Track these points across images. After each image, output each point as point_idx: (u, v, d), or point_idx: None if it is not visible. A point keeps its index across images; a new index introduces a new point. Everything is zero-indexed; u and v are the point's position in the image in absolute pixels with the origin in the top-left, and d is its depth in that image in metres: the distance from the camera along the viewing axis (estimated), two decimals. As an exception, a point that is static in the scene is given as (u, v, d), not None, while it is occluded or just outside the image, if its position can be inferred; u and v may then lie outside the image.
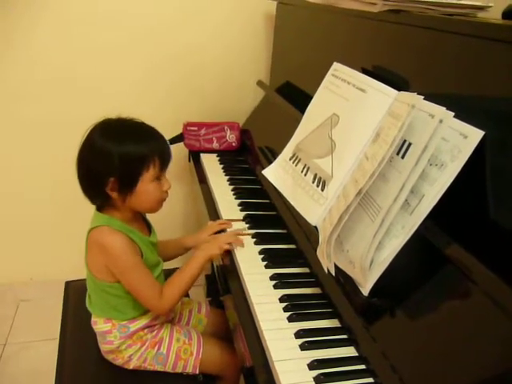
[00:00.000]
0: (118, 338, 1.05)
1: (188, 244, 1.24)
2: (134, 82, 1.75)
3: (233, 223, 1.23)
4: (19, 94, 1.68)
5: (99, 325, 1.07)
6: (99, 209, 1.03)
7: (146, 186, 0.98)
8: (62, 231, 1.91)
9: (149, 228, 1.12)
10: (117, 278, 1.00)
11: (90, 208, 1.06)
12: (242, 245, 1.11)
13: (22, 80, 1.66)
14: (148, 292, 1.01)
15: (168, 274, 1.13)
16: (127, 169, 0.96)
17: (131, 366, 1.07)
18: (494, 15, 0.99)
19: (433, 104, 0.72)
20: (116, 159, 0.94)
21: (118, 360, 1.07)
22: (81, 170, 0.99)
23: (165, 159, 1.00)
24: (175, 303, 1.07)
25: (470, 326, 0.65)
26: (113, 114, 1.00)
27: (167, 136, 1.07)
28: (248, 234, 1.17)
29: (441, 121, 0.69)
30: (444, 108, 0.70)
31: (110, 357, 1.09)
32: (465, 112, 0.72)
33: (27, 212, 1.85)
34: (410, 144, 0.73)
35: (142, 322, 1.07)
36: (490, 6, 0.99)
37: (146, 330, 1.08)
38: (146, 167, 0.96)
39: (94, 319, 1.09)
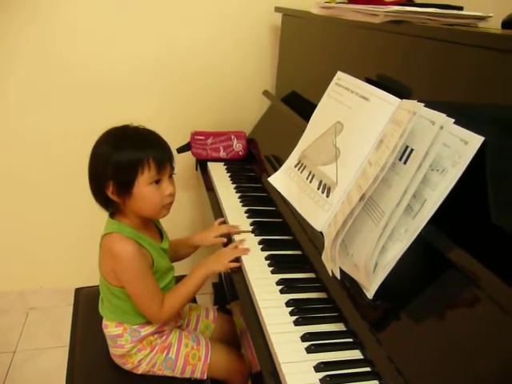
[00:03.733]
0: (130, 342, 1.07)
1: (195, 242, 1.26)
2: (142, 91, 1.79)
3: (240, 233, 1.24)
4: (30, 103, 1.72)
5: (110, 328, 1.09)
6: (111, 216, 1.06)
7: (142, 189, 0.99)
8: (71, 240, 1.94)
9: (161, 235, 1.14)
10: (122, 284, 1.02)
11: (100, 217, 1.09)
12: (247, 253, 1.12)
13: (35, 90, 1.71)
14: (149, 301, 1.03)
15: (178, 280, 1.14)
16: (121, 172, 0.98)
17: (140, 370, 1.09)
18: (494, 25, 1.01)
19: (433, 111, 0.74)
20: (111, 163, 0.97)
21: (128, 364, 1.09)
22: (89, 177, 1.03)
23: (161, 161, 1.00)
24: (174, 314, 1.09)
25: (474, 329, 0.66)
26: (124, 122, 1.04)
27: (175, 145, 1.09)
28: (247, 231, 1.19)
29: (441, 127, 0.71)
30: (444, 115, 0.72)
31: (119, 361, 1.10)
32: (465, 119, 0.74)
33: (38, 221, 1.89)
34: (411, 150, 0.75)
35: (153, 326, 1.09)
36: (490, 16, 1.01)
37: (155, 336, 1.10)
38: (141, 170, 0.98)
39: (105, 322, 1.10)
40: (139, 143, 1.00)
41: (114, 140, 1.00)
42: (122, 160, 0.97)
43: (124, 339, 1.07)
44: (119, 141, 1.00)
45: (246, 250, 1.13)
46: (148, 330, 1.08)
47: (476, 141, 0.70)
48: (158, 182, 1.01)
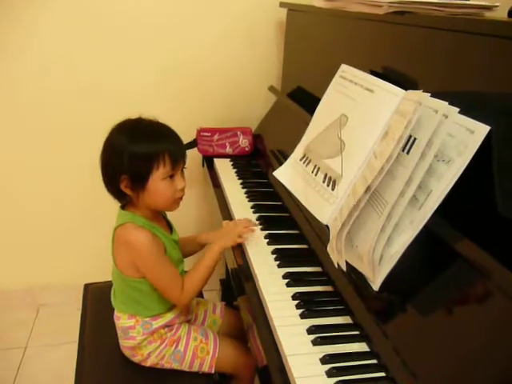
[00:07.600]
0: (141, 334, 1.08)
1: (204, 241, 1.27)
2: (147, 88, 1.80)
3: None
4: (31, 100, 1.74)
5: (122, 320, 1.10)
6: (123, 207, 1.07)
7: (157, 183, 1.00)
8: (80, 236, 1.96)
9: (170, 227, 1.15)
10: (143, 273, 1.03)
11: (108, 213, 1.10)
12: (253, 232, 1.15)
13: (35, 87, 1.72)
14: (171, 284, 1.05)
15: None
16: (137, 166, 0.98)
17: (149, 363, 1.10)
18: (501, 14, 1.00)
19: (436, 99, 0.73)
20: (126, 157, 0.97)
21: (137, 357, 1.10)
22: (101, 168, 1.03)
23: (176, 157, 1.01)
24: (195, 295, 1.11)
25: (482, 322, 0.66)
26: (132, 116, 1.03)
27: (181, 142, 1.09)
28: (256, 225, 1.21)
29: (446, 116, 0.71)
30: (446, 103, 0.71)
31: (129, 353, 1.11)
32: (472, 108, 0.73)
33: (45, 217, 1.91)
34: (414, 139, 0.74)
35: (165, 319, 1.10)
36: (497, 6, 1.00)
37: (166, 329, 1.11)
38: (156, 165, 0.98)
39: (117, 314, 1.11)
40: (155, 137, 1.00)
41: (129, 132, 1.00)
42: (138, 153, 0.98)
43: (136, 331, 1.08)
44: (135, 133, 1.00)
45: (253, 229, 1.15)
46: (160, 322, 1.09)
47: (482, 130, 0.69)
48: (171, 176, 1.02)
